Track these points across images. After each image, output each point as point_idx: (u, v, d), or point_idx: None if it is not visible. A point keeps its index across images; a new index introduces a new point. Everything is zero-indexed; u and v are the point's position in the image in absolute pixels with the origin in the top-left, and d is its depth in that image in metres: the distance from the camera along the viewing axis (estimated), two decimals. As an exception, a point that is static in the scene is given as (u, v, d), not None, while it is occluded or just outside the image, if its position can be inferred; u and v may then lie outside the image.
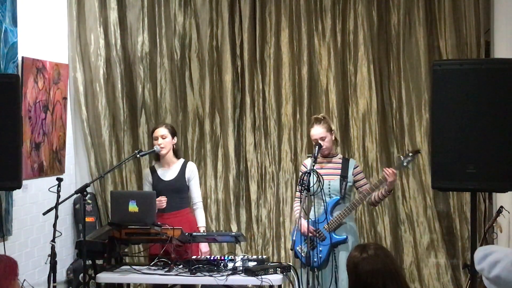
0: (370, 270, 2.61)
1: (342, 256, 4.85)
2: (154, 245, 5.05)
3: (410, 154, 4.94)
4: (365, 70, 6.21)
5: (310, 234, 4.77)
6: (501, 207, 4.87)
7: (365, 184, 5.01)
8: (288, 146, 6.34)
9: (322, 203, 4.80)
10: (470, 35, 6.04)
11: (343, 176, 4.96)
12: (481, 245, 4.64)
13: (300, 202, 4.71)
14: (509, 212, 4.90)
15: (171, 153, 5.28)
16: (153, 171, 5.33)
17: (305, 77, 6.29)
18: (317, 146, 4.92)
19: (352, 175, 5.00)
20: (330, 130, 5.01)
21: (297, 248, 4.96)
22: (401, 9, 6.17)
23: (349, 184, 4.98)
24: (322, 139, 4.96)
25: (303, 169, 5.10)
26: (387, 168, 4.86)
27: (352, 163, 5.07)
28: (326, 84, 6.29)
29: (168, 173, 5.29)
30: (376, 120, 6.20)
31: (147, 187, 5.33)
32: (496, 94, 3.88)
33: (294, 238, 4.76)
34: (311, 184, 4.60)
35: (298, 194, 5.08)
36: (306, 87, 6.30)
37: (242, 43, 6.39)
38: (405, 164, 4.90)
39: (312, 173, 4.64)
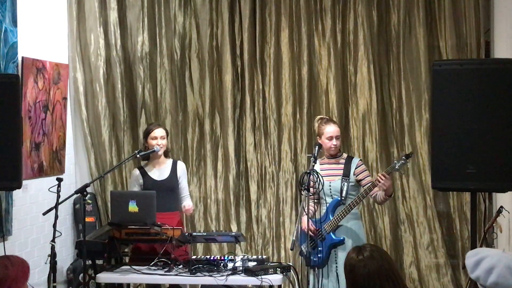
0: (367, 273, 2.60)
1: (341, 257, 4.86)
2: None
3: (403, 157, 4.94)
4: (365, 70, 6.21)
5: (310, 233, 4.82)
6: (501, 207, 4.87)
7: (368, 182, 4.98)
8: (288, 146, 6.33)
9: (324, 204, 4.86)
10: (470, 35, 6.04)
11: (345, 177, 4.97)
12: (481, 245, 4.64)
13: (300, 202, 4.73)
14: (509, 212, 4.90)
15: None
16: (143, 172, 5.35)
17: (305, 77, 6.29)
18: (317, 146, 4.92)
19: (354, 174, 5.01)
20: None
21: (302, 247, 4.99)
22: (401, 9, 6.17)
23: (351, 184, 4.98)
24: (337, 138, 5.03)
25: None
26: (379, 176, 4.82)
27: (354, 161, 5.07)
28: (326, 84, 6.29)
29: (160, 173, 5.33)
30: (376, 120, 6.20)
31: (136, 189, 5.33)
32: (496, 94, 3.89)
33: (293, 238, 4.79)
34: (311, 184, 4.61)
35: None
36: (306, 87, 6.30)
37: (242, 43, 6.39)
38: (397, 167, 4.87)
39: (312, 173, 4.64)
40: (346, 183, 4.95)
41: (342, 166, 5.02)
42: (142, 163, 5.47)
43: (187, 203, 5.36)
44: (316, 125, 5.14)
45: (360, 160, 5.16)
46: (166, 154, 5.43)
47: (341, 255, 4.86)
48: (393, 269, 2.65)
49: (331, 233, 4.90)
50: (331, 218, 4.90)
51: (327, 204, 4.95)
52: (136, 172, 5.41)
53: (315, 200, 5.05)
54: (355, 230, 5.00)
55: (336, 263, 4.90)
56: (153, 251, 5.00)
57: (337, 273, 4.88)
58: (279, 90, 6.36)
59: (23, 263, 3.13)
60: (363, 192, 4.91)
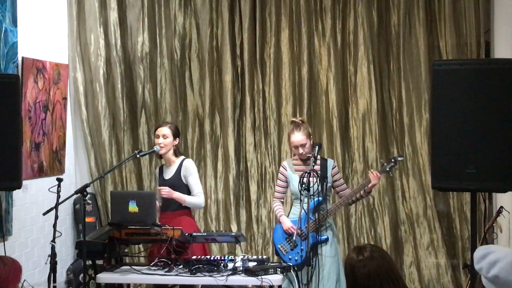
0: (367, 273, 2.61)
1: (324, 249, 4.88)
2: (154, 246, 5.07)
3: (393, 160, 4.97)
4: (365, 70, 6.22)
5: (294, 232, 4.84)
6: (501, 207, 4.88)
7: (342, 186, 5.07)
8: (288, 146, 6.33)
9: (306, 204, 4.83)
10: (470, 35, 6.05)
11: (323, 177, 4.91)
12: (481, 245, 4.65)
13: (301, 202, 4.72)
14: (509, 212, 4.91)
15: (170, 153, 5.27)
16: (160, 170, 5.35)
17: (305, 77, 6.30)
18: (317, 146, 4.90)
19: (331, 175, 5.03)
20: (309, 135, 4.99)
21: (278, 246, 4.99)
22: (401, 9, 6.17)
23: (328, 184, 4.98)
24: (303, 146, 4.94)
25: (282, 170, 5.13)
26: (373, 171, 4.94)
27: (330, 163, 5.07)
28: (326, 84, 6.29)
29: (168, 172, 5.29)
30: (376, 120, 6.21)
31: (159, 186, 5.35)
32: (496, 94, 3.89)
33: (294, 238, 4.78)
34: (311, 185, 4.61)
35: (276, 194, 5.18)
36: (306, 87, 6.30)
37: (242, 43, 6.39)
38: (387, 169, 4.97)
39: (312, 173, 4.64)
40: (325, 183, 4.89)
41: (318, 167, 4.92)
42: (162, 161, 5.44)
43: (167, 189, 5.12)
44: (290, 128, 5.08)
45: (334, 162, 5.15)
46: (176, 153, 5.32)
47: (323, 248, 4.89)
48: (393, 269, 2.66)
49: (314, 233, 4.84)
50: (312, 218, 4.81)
51: (304, 203, 4.76)
52: (157, 169, 5.45)
53: (281, 200, 5.18)
54: (331, 224, 5.05)
55: (318, 261, 4.78)
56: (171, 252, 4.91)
57: (318, 273, 4.80)
58: (279, 90, 6.36)
59: (15, 265, 3.13)
60: (342, 201, 4.96)
